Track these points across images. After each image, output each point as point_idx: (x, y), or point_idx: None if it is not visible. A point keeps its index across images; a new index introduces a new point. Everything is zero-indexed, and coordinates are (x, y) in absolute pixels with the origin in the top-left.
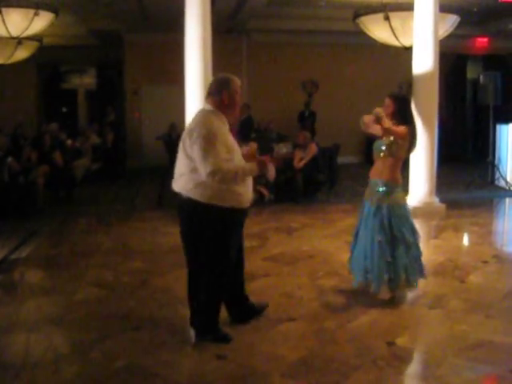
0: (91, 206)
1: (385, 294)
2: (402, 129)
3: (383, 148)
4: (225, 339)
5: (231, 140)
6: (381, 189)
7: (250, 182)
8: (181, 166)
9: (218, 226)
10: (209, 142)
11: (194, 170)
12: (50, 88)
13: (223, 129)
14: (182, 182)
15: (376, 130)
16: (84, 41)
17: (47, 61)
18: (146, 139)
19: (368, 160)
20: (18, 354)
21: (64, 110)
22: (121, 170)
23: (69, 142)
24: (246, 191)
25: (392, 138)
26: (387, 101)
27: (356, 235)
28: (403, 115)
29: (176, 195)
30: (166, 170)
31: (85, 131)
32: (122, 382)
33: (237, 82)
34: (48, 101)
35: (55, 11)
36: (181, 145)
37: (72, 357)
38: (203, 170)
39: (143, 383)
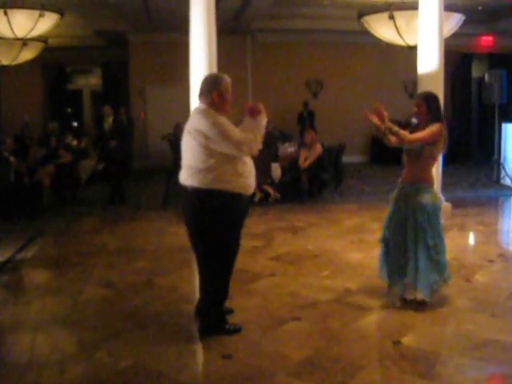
0: (96, 207)
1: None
2: (434, 127)
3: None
4: (236, 330)
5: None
6: (423, 192)
7: (251, 169)
8: (185, 160)
9: (220, 212)
10: (220, 125)
11: (197, 161)
12: (56, 88)
13: (224, 119)
14: (186, 173)
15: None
16: (89, 41)
17: (53, 61)
18: (152, 139)
19: (374, 159)
20: (23, 354)
21: (69, 110)
22: (126, 170)
23: (74, 142)
24: (246, 179)
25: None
26: (417, 101)
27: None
28: (435, 113)
29: (182, 190)
30: (172, 170)
31: (90, 132)
32: (128, 381)
33: (226, 80)
34: (53, 101)
35: (60, 12)
36: (184, 141)
37: (77, 356)
38: (231, 149)
39: (148, 383)
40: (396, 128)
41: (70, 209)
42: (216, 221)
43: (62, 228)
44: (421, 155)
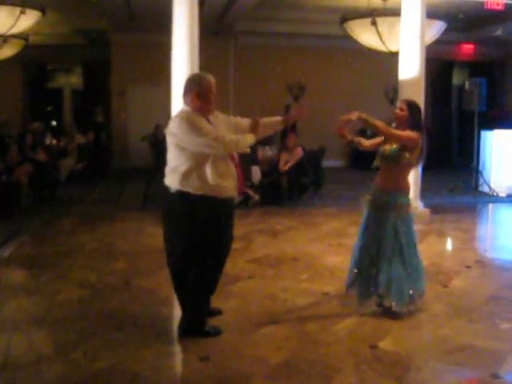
0: (75, 206)
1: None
2: (413, 134)
3: (391, 153)
4: (216, 332)
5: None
6: (399, 200)
7: (231, 171)
8: (169, 162)
9: (202, 216)
10: (193, 123)
11: (178, 165)
12: (36, 87)
13: (202, 121)
14: (171, 176)
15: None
16: (71, 40)
17: (33, 59)
18: (132, 139)
19: (354, 164)
20: None
21: (49, 108)
22: (106, 170)
23: (54, 141)
24: (228, 181)
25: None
26: (401, 105)
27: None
28: (416, 122)
29: (164, 191)
30: (151, 171)
31: (70, 131)
32: (104, 382)
33: (209, 80)
34: (34, 100)
35: (42, 10)
36: (167, 142)
37: (53, 357)
38: (206, 146)
39: None
40: (373, 119)
41: (48, 208)
42: (202, 224)
43: (39, 228)
44: (398, 161)
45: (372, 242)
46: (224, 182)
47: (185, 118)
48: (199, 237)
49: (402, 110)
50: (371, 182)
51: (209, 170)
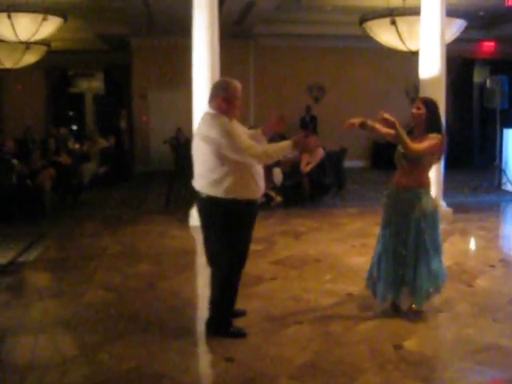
0: (98, 210)
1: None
2: (433, 140)
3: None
4: (240, 334)
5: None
6: (422, 198)
7: (260, 173)
8: (197, 166)
9: (233, 218)
10: (230, 133)
11: (209, 170)
12: (58, 92)
13: (235, 126)
14: (201, 181)
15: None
16: (92, 45)
17: (55, 65)
18: (154, 143)
19: (375, 164)
20: (25, 356)
21: (71, 114)
22: (128, 173)
23: (76, 146)
24: (258, 183)
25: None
26: (418, 104)
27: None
28: (435, 120)
29: (197, 196)
30: (173, 174)
31: (92, 135)
32: (130, 383)
33: (235, 85)
34: (56, 105)
35: (64, 16)
36: (194, 146)
37: (80, 359)
38: (240, 155)
39: None
40: (405, 137)
41: (71, 212)
42: (232, 226)
43: (63, 231)
44: (419, 161)
45: (396, 242)
46: (255, 184)
47: (222, 124)
48: (231, 238)
49: (419, 108)
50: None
51: (244, 175)
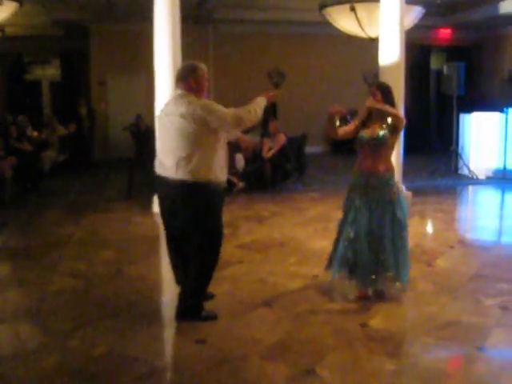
0: (60, 198)
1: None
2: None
3: (384, 136)
4: (211, 317)
5: None
6: (391, 182)
7: (224, 157)
8: (167, 145)
9: (209, 201)
10: (210, 103)
11: (180, 148)
12: (14, 79)
13: None
14: (169, 161)
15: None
16: (48, 31)
17: (10, 51)
18: (113, 130)
19: (335, 149)
20: None
21: (28, 101)
22: (88, 161)
23: (35, 133)
24: (223, 167)
25: (388, 125)
26: (373, 90)
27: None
28: (391, 102)
29: (162, 181)
30: (134, 161)
31: (51, 122)
32: (103, 367)
33: (203, 68)
34: (12, 92)
35: (19, 1)
36: (166, 127)
37: (51, 346)
38: (226, 124)
39: (123, 368)
40: (388, 108)
41: (32, 200)
42: (207, 211)
43: (25, 219)
44: (385, 144)
45: (370, 227)
46: (220, 167)
47: (190, 99)
48: (210, 222)
49: (374, 95)
50: (352, 166)
51: (213, 157)
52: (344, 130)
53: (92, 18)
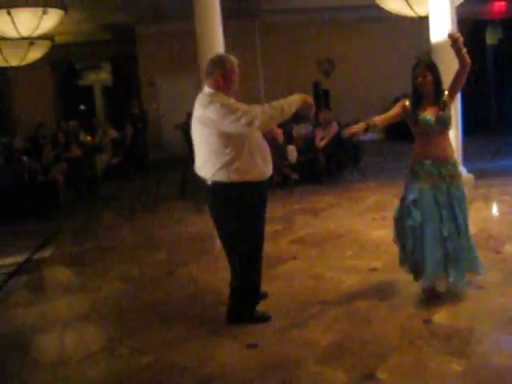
0: (114, 201)
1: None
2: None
3: (450, 117)
4: (265, 318)
5: None
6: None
7: (267, 152)
8: (199, 152)
9: (244, 202)
10: (225, 104)
11: (212, 154)
12: (66, 86)
13: (229, 100)
14: (205, 167)
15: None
16: (96, 36)
17: (61, 59)
18: (165, 130)
19: (390, 136)
20: (49, 352)
21: (82, 107)
22: (142, 162)
23: (88, 138)
24: (265, 162)
25: (445, 103)
26: (422, 71)
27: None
28: (442, 84)
29: (202, 182)
30: (187, 160)
31: (103, 126)
32: (151, 377)
33: (231, 60)
34: (65, 99)
35: (64, 8)
36: (193, 131)
37: (99, 355)
38: (237, 124)
39: (172, 378)
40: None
41: (87, 205)
42: (244, 210)
43: (80, 225)
44: (450, 126)
45: (440, 219)
46: (262, 163)
47: (217, 101)
48: (244, 222)
49: (425, 76)
50: (408, 152)
51: (250, 155)
52: (383, 119)
53: (137, 19)
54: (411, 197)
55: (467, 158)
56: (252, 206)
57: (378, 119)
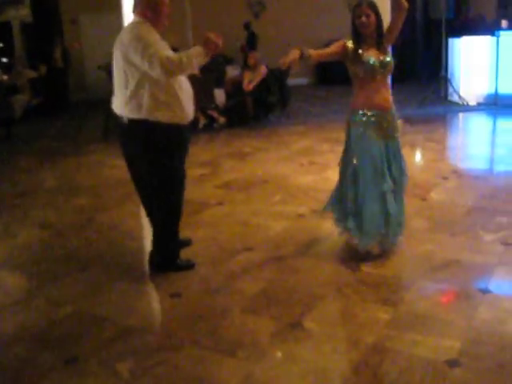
0: (33, 143)
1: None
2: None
3: (392, 61)
4: (189, 266)
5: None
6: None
7: (189, 94)
8: (116, 84)
9: (161, 144)
10: (141, 38)
11: (123, 85)
12: None
13: (153, 33)
14: (117, 100)
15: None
16: None
17: None
18: (88, 70)
19: (321, 81)
20: None
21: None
22: (64, 103)
23: (4, 77)
24: (184, 106)
25: (387, 54)
26: (366, 10)
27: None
28: (382, 25)
29: (118, 119)
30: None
31: (16, 66)
32: (69, 329)
33: None
34: None
35: None
36: (114, 62)
37: (16, 305)
38: (151, 67)
39: (92, 329)
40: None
41: (3, 147)
42: (160, 154)
43: None
44: (389, 71)
45: (382, 173)
46: (179, 107)
47: (138, 29)
48: (168, 165)
49: (368, 15)
50: (337, 97)
51: (166, 94)
52: (319, 53)
53: None
54: (353, 153)
55: (395, 105)
56: (166, 150)
57: (314, 52)
